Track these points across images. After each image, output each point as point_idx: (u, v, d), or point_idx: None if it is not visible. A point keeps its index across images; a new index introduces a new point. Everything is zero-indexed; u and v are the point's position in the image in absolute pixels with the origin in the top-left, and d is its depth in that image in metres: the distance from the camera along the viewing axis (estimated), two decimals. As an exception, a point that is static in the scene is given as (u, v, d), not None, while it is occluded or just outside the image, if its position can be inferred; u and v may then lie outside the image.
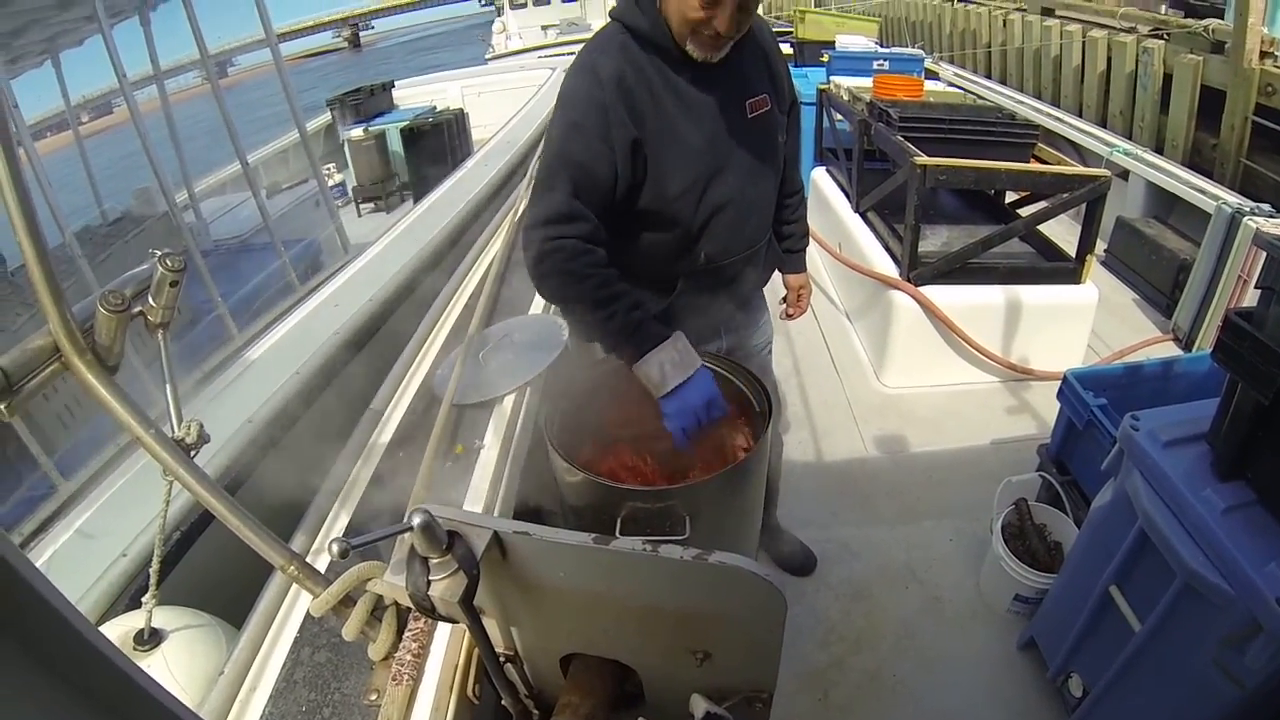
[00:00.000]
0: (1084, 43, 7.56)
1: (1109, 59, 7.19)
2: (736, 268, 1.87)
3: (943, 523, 2.97)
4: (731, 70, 1.68)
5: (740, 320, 2.13)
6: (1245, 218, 3.69)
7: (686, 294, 1.83)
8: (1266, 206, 3.78)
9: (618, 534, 1.41)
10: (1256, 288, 1.58)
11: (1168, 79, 6.30)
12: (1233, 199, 3.97)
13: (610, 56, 1.60)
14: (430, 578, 0.85)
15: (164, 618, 1.55)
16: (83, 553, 2.00)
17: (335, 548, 0.82)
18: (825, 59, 6.21)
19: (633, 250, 1.77)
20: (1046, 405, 3.41)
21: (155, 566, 1.42)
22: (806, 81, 5.80)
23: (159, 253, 1.21)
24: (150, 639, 1.49)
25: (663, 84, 1.61)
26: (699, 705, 0.94)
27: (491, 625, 1.05)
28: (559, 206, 1.57)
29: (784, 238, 2.21)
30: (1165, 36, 6.48)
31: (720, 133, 1.69)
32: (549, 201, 1.58)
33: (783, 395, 3.67)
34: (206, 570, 2.01)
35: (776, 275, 2.23)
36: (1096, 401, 2.37)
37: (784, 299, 2.34)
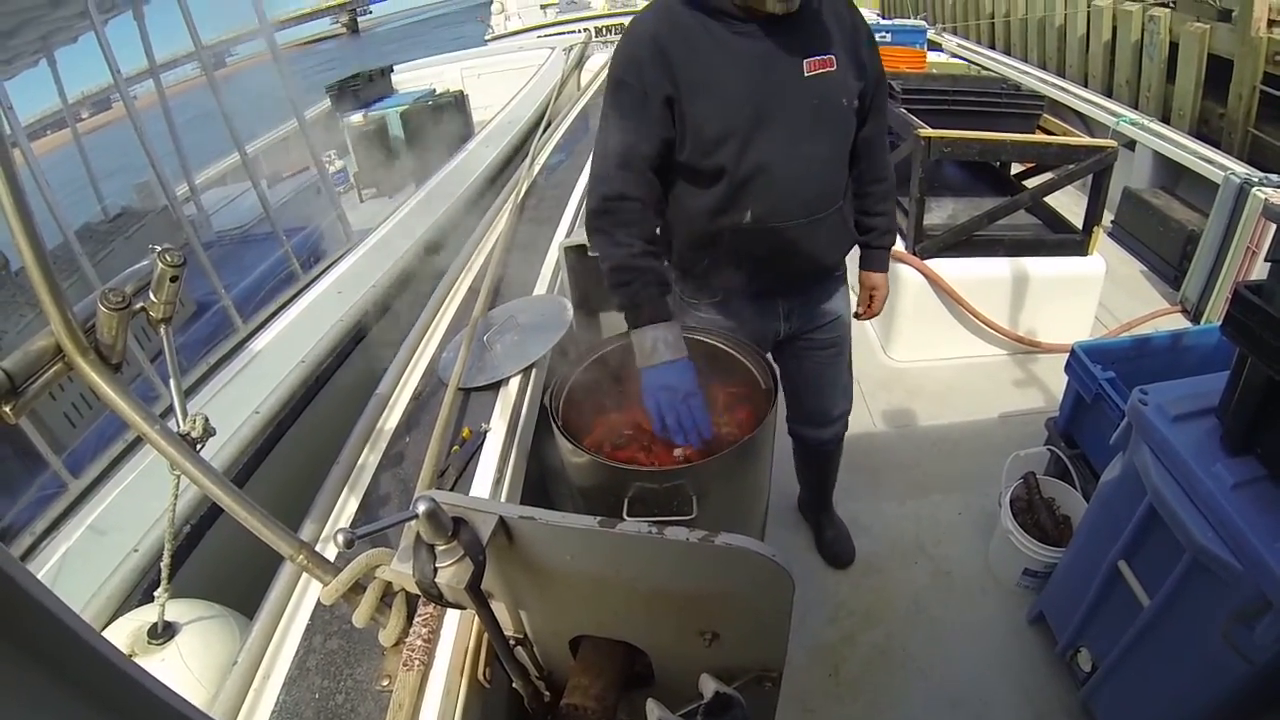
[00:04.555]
0: (1089, 12, 7.47)
1: (1114, 28, 7.11)
2: (789, 236, 1.80)
3: (951, 497, 2.97)
4: (792, 26, 1.65)
5: (801, 305, 2.05)
6: (1254, 188, 3.65)
7: (731, 252, 1.83)
8: (1275, 176, 3.74)
9: (625, 514, 1.42)
10: (1267, 260, 1.56)
11: (1174, 48, 6.23)
12: (1241, 169, 3.94)
13: (648, 17, 1.67)
14: (437, 564, 0.85)
15: (177, 610, 1.56)
16: (95, 549, 2.01)
17: (340, 538, 0.82)
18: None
19: (681, 204, 1.82)
20: (1054, 378, 3.39)
21: (166, 560, 1.43)
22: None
23: (158, 248, 1.20)
24: (164, 632, 1.51)
25: (703, 36, 1.63)
26: (708, 685, 0.95)
27: (500, 609, 1.06)
28: (611, 169, 1.68)
29: (864, 230, 2.09)
30: (1171, 4, 6.39)
31: (767, 85, 1.66)
32: (603, 163, 1.69)
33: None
34: (218, 562, 2.03)
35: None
36: (1105, 374, 2.36)
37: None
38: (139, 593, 1.92)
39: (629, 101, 1.66)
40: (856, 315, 2.25)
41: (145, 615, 1.54)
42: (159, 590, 1.46)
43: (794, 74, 1.67)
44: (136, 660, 1.45)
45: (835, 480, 2.72)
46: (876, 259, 2.16)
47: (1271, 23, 5.29)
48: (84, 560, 1.98)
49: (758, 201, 1.74)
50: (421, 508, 0.81)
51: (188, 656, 1.49)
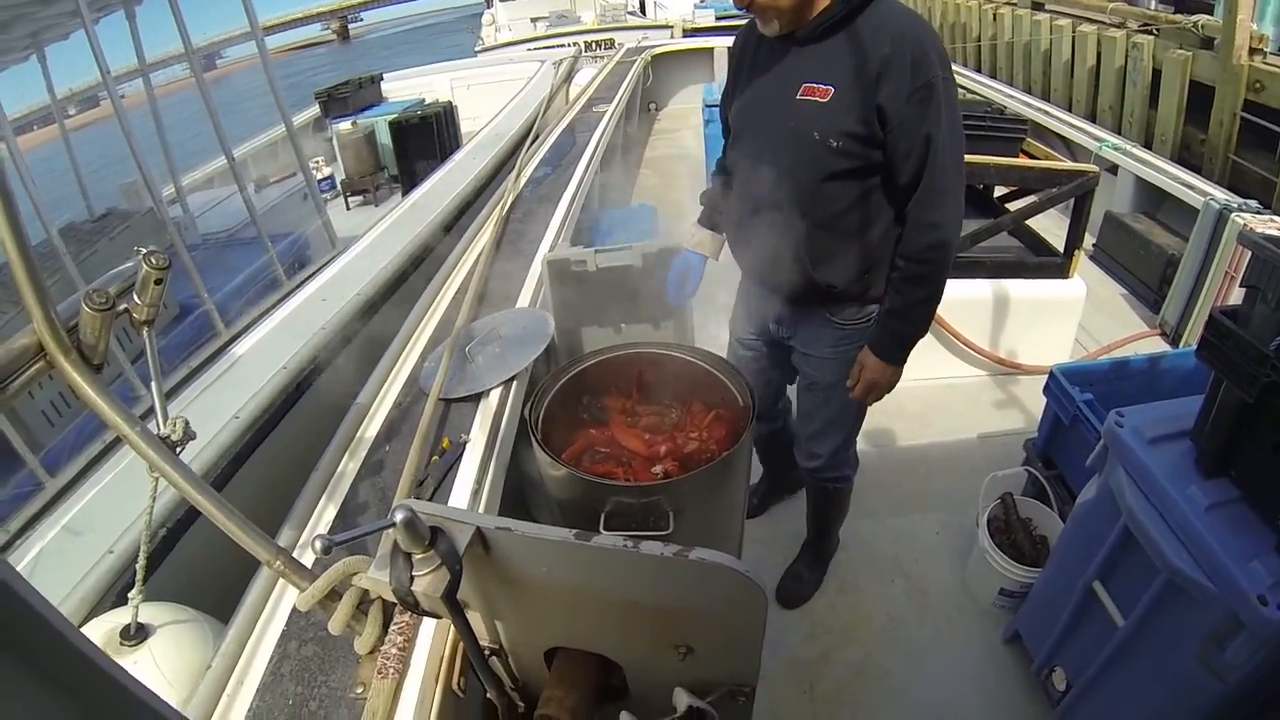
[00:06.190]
0: (1074, 37, 7.56)
1: (1099, 54, 7.20)
2: (742, 227, 1.98)
3: (929, 516, 2.98)
4: (809, 53, 1.74)
5: (790, 317, 2.09)
6: (1233, 214, 3.70)
7: (729, 216, 2.09)
8: (1254, 202, 3.80)
9: (602, 528, 1.42)
10: (1241, 286, 1.59)
11: (1157, 74, 6.31)
12: (1221, 194, 3.98)
13: (744, 27, 1.97)
14: (413, 573, 0.85)
15: (151, 613, 1.55)
16: (70, 549, 1.99)
17: (318, 544, 0.83)
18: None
19: None
20: (1033, 400, 3.41)
21: (142, 562, 1.42)
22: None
23: (143, 250, 1.20)
24: (137, 634, 1.49)
25: (757, 45, 1.87)
26: (681, 699, 0.95)
27: (476, 619, 1.06)
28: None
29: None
30: (1155, 32, 6.48)
31: (762, 98, 1.86)
32: None
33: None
34: (193, 566, 2.01)
35: None
36: (1083, 397, 2.38)
37: None
38: (113, 594, 1.90)
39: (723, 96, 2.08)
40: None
41: (119, 617, 1.53)
42: (133, 592, 1.45)
43: (789, 93, 1.75)
44: (108, 663, 1.45)
45: (825, 530, 2.67)
46: (872, 337, 1.98)
47: (1253, 51, 5.37)
48: (58, 560, 1.96)
49: (735, 189, 1.98)
50: (399, 516, 0.81)
51: (160, 660, 1.48)
